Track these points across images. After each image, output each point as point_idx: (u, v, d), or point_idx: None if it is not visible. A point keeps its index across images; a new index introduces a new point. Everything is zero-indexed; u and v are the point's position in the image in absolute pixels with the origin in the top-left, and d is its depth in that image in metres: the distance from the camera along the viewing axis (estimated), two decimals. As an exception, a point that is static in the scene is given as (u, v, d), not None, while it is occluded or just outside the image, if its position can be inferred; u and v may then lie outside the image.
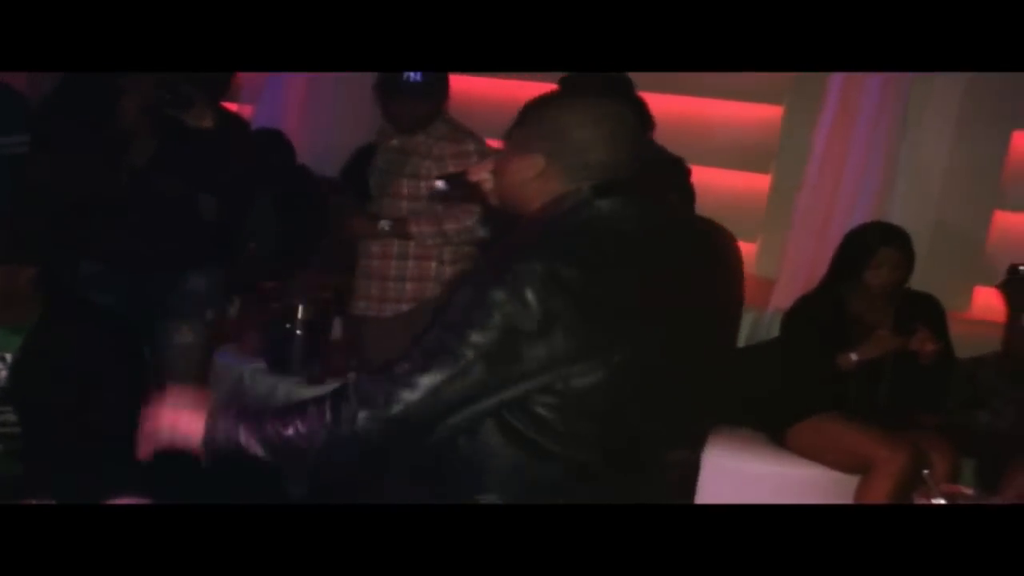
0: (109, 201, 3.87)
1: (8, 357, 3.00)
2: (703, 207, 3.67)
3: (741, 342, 4.75)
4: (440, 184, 2.75)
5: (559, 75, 3.77)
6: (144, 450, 2.22)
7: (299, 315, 4.79)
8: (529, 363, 1.92)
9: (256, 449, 2.14)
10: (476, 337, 1.92)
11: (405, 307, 4.00)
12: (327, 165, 5.99)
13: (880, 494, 3.76)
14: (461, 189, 2.73)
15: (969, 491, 3.13)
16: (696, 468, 2.27)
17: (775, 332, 4.46)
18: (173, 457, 2.23)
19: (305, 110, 6.47)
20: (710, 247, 2.24)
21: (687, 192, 3.98)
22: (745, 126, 5.38)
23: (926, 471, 3.31)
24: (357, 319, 4.09)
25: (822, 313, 4.14)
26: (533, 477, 2.01)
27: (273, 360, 4.90)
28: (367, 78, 4.13)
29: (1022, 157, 4.95)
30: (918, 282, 4.28)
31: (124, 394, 2.92)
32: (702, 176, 4.19)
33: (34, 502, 2.65)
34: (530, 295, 1.90)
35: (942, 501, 2.86)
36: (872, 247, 4.08)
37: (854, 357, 4.00)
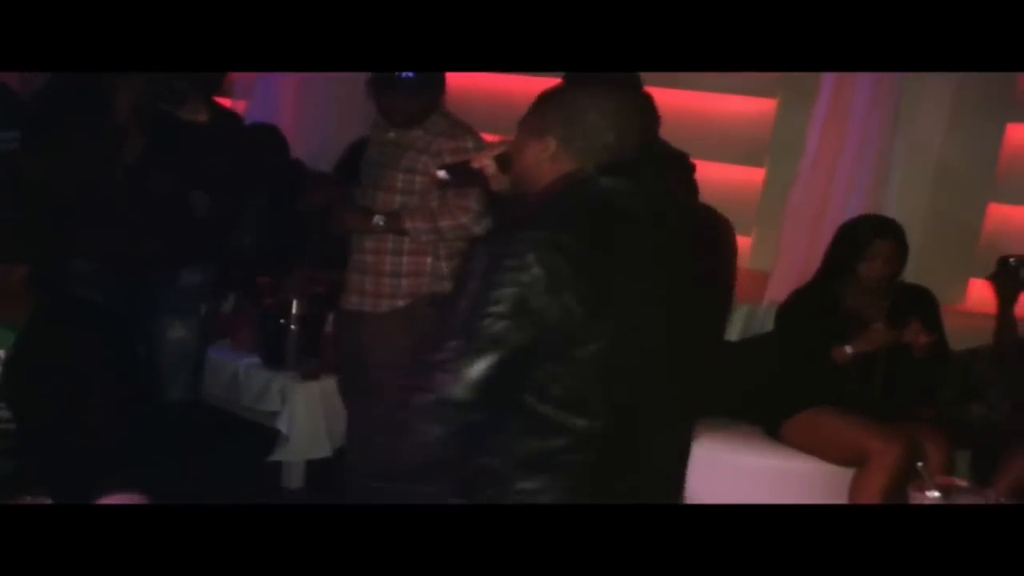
0: (101, 198, 3.86)
1: (1, 354, 2.99)
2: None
3: (736, 336, 4.76)
4: (442, 174, 2.76)
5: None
6: None
7: (293, 310, 4.80)
8: (547, 324, 2.01)
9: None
10: (495, 308, 2.01)
11: (401, 303, 3.98)
12: (321, 160, 5.99)
13: (875, 487, 3.76)
14: (463, 177, 2.77)
15: (963, 483, 3.14)
16: (689, 444, 2.32)
17: (770, 326, 4.46)
18: (165, 454, 2.22)
19: (298, 105, 6.46)
20: (707, 228, 2.38)
21: (690, 187, 3.97)
22: (739, 120, 5.38)
23: (920, 463, 3.32)
24: (351, 314, 4.07)
25: (816, 306, 4.15)
26: (536, 447, 2.08)
27: (267, 355, 4.91)
28: (360, 73, 4.11)
29: (1016, 150, 4.95)
30: (912, 275, 4.29)
31: (117, 391, 2.92)
32: (696, 170, 4.19)
33: (28, 499, 2.65)
34: (531, 258, 2.00)
35: (936, 493, 2.87)
36: (865, 240, 4.08)
37: (848, 350, 4.01)
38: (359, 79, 4.01)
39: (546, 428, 2.06)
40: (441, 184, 3.10)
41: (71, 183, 3.81)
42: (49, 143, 3.85)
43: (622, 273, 2.08)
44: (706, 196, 3.95)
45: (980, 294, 4.80)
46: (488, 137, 3.91)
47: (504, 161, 2.37)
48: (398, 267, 3.96)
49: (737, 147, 5.31)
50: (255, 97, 6.51)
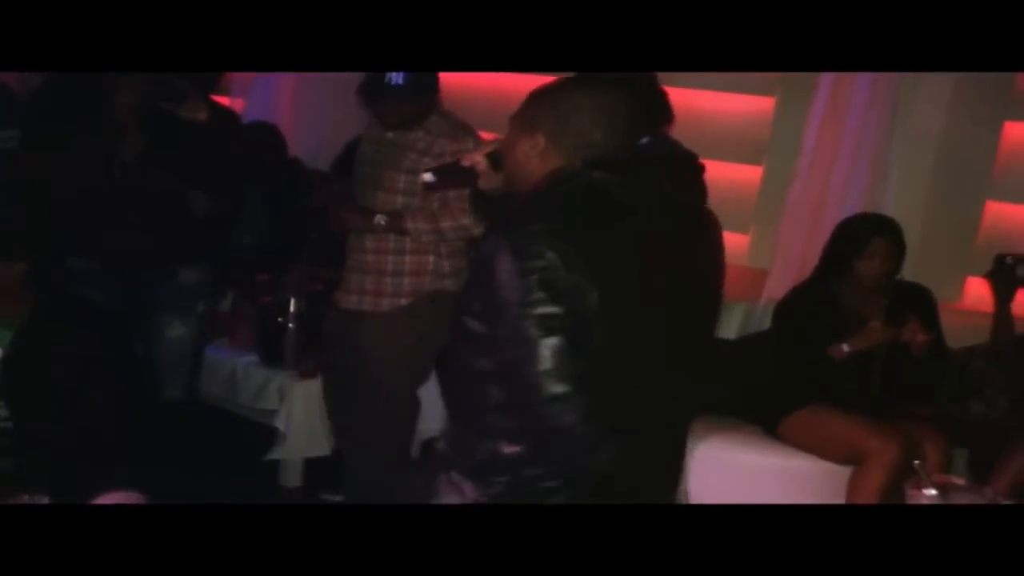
0: (100, 196, 3.86)
1: (-1, 352, 2.99)
2: (694, 199, 3.67)
3: (734, 334, 4.76)
4: (428, 177, 2.69)
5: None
6: None
7: (291, 309, 4.80)
8: (584, 308, 2.02)
9: None
10: (532, 297, 2.01)
11: (404, 301, 3.98)
12: (319, 158, 5.99)
13: (872, 485, 3.77)
14: (451, 179, 2.78)
15: (961, 481, 3.14)
16: (686, 434, 2.34)
17: (767, 324, 4.46)
18: (163, 453, 2.22)
19: (296, 104, 6.46)
20: (695, 222, 2.33)
21: (698, 188, 3.96)
22: (737, 118, 5.38)
23: (918, 462, 3.32)
24: (350, 314, 4.07)
25: (814, 304, 4.15)
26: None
27: (266, 354, 4.91)
28: (359, 73, 4.11)
29: (1013, 148, 4.95)
30: (910, 273, 4.29)
31: (115, 390, 2.92)
32: (705, 171, 4.18)
33: (26, 498, 2.65)
34: (540, 245, 2.02)
35: (934, 492, 2.87)
36: (863, 238, 4.09)
37: (846, 348, 4.01)
38: (357, 78, 4.01)
39: None
40: (428, 187, 3.04)
41: (69, 181, 3.81)
42: (48, 141, 3.85)
43: (616, 264, 2.09)
44: (705, 194, 3.95)
45: (978, 292, 4.80)
46: (487, 136, 3.90)
47: (496, 159, 2.37)
48: (400, 266, 3.96)
49: (735, 145, 5.31)
50: (253, 96, 6.50)
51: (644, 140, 3.81)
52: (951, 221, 5.00)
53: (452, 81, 4.04)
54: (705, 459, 3.99)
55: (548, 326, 2.00)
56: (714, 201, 3.59)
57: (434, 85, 3.93)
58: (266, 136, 5.62)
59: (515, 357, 2.03)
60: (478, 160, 2.39)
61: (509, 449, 2.11)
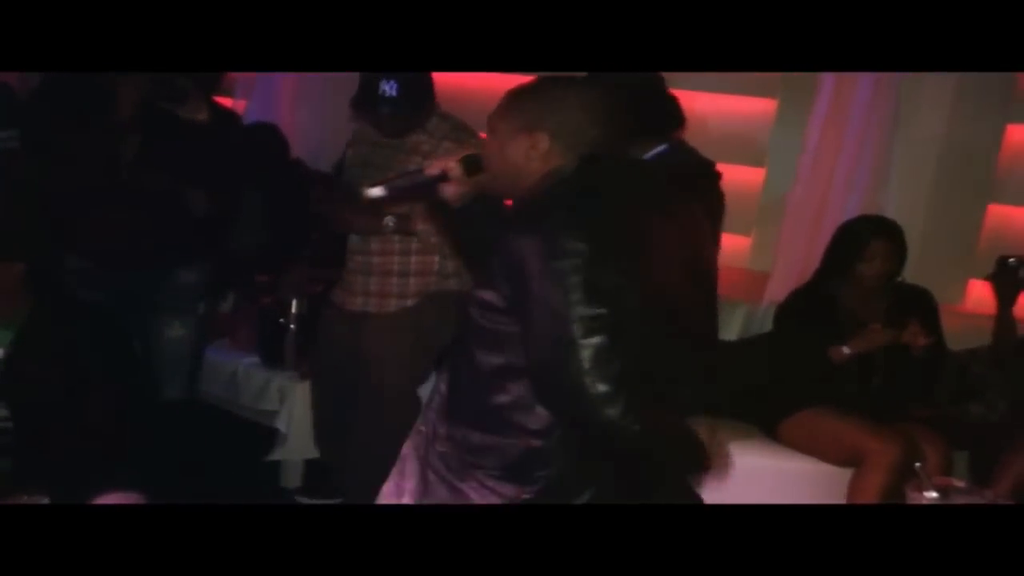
0: (100, 196, 3.86)
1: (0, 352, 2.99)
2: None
3: (735, 336, 4.75)
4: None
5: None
6: None
7: (292, 310, 4.80)
8: (622, 305, 2.03)
9: None
10: (573, 296, 2.01)
11: (410, 302, 3.97)
12: (320, 159, 5.98)
13: (873, 487, 3.76)
14: (406, 191, 2.56)
15: (961, 484, 3.14)
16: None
17: (769, 326, 4.46)
18: (163, 454, 2.22)
19: (297, 105, 6.46)
20: (687, 208, 2.36)
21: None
22: (739, 120, 5.37)
23: (918, 464, 3.31)
24: (353, 315, 4.05)
25: (814, 306, 4.15)
26: None
27: (266, 355, 4.91)
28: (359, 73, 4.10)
29: (1016, 150, 4.95)
30: (912, 275, 4.28)
31: (115, 390, 2.92)
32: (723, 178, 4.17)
33: (25, 498, 2.65)
34: (568, 238, 2.02)
35: (934, 494, 2.87)
36: (864, 239, 4.08)
37: (846, 350, 4.01)
38: (358, 79, 3.99)
39: None
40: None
41: (71, 182, 3.81)
42: (48, 141, 3.85)
43: (635, 255, 2.11)
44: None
45: (979, 294, 4.80)
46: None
47: (471, 163, 2.33)
48: (406, 266, 3.95)
49: (736, 147, 5.31)
50: (255, 96, 6.51)
51: (661, 148, 3.81)
52: (953, 223, 4.99)
53: (446, 82, 4.01)
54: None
55: (590, 327, 1.99)
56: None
57: (429, 90, 3.89)
58: (268, 137, 5.62)
59: (553, 357, 2.02)
60: (451, 167, 2.34)
61: (538, 444, 2.10)
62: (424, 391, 4.09)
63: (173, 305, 4.09)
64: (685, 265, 2.22)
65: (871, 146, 4.91)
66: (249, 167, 4.52)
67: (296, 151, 5.85)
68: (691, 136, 4.26)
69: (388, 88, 3.76)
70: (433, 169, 2.36)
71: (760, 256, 5.23)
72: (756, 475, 4.04)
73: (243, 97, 6.50)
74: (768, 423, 4.16)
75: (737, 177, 5.36)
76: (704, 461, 2.20)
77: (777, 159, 5.26)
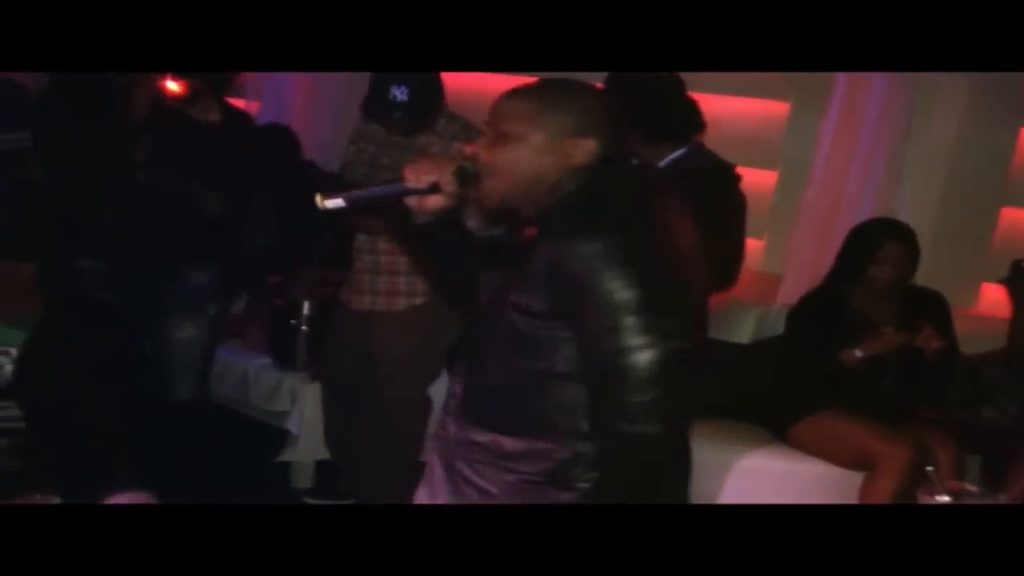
0: (111, 197, 3.87)
1: (12, 352, 3.00)
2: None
3: (747, 338, 4.75)
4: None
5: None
6: None
7: (304, 311, 4.80)
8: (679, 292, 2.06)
9: None
10: (644, 302, 1.99)
11: (419, 300, 3.98)
12: (333, 160, 5.99)
13: (884, 491, 3.75)
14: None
15: (974, 488, 3.12)
16: None
17: (780, 328, 4.45)
18: (174, 454, 2.22)
19: (310, 105, 6.47)
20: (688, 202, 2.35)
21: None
22: (751, 122, 5.36)
23: (930, 468, 3.30)
24: (361, 314, 4.06)
25: (826, 309, 4.14)
26: None
27: (277, 355, 4.91)
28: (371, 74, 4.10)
29: (1029, 153, 4.94)
30: (924, 278, 4.27)
31: (127, 391, 2.92)
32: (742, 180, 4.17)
33: (37, 497, 2.66)
34: (620, 237, 2.02)
35: (947, 498, 2.84)
36: (876, 243, 4.07)
37: (858, 353, 4.00)
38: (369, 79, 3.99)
39: None
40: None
41: (82, 182, 3.82)
42: (61, 142, 3.86)
43: (683, 261, 2.12)
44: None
45: (992, 298, 4.79)
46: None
47: (464, 175, 2.20)
48: (415, 266, 3.95)
49: (749, 149, 5.30)
50: (267, 98, 6.52)
51: (681, 151, 3.82)
52: (966, 226, 4.98)
53: (452, 83, 4.00)
54: (715, 463, 3.98)
55: (652, 338, 1.98)
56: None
57: (439, 93, 3.89)
58: (280, 138, 5.63)
59: (610, 366, 2.00)
60: (445, 179, 2.20)
61: (585, 448, 2.09)
62: (433, 390, 4.09)
63: (184, 306, 4.10)
64: (703, 269, 2.22)
65: (884, 149, 4.91)
66: (261, 168, 4.52)
67: (308, 152, 5.86)
68: (704, 138, 4.26)
69: (399, 93, 3.75)
70: (419, 182, 2.21)
71: (772, 259, 5.23)
72: (767, 478, 4.04)
73: (255, 98, 6.51)
74: (779, 426, 4.15)
75: (750, 180, 5.36)
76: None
77: (790, 162, 5.26)
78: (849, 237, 4.21)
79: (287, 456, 4.75)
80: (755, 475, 4.03)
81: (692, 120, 3.94)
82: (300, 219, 5.38)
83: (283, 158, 5.51)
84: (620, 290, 1.98)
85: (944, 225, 4.92)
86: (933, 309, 4.14)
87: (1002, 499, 3.19)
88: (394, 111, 3.79)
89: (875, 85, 4.87)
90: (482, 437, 2.18)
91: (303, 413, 4.68)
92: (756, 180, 5.30)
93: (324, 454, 4.70)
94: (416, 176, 2.22)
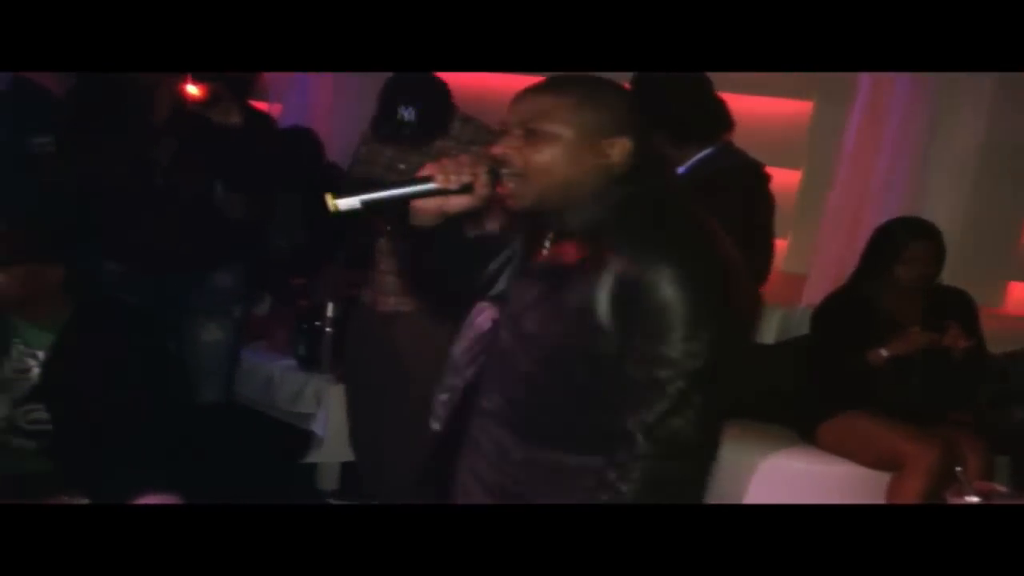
0: (136, 200, 3.89)
1: (40, 355, 3.02)
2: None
3: (772, 339, 4.73)
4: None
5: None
6: None
7: (328, 312, 4.81)
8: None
9: None
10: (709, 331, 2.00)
11: None
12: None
13: (912, 491, 3.73)
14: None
15: (1003, 488, 3.10)
16: None
17: (806, 329, 4.43)
18: (200, 456, 2.22)
19: (332, 108, 6.48)
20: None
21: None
22: (775, 122, 5.35)
23: (959, 468, 3.28)
24: (385, 316, 4.06)
25: (852, 309, 4.12)
26: None
27: (302, 357, 4.92)
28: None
29: (1056, 151, 4.91)
30: (951, 278, 4.25)
31: (153, 393, 2.93)
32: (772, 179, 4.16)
33: (65, 499, 2.67)
34: (712, 266, 2.02)
35: (975, 499, 2.83)
36: (902, 242, 4.06)
37: (884, 353, 3.98)
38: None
39: None
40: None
41: (106, 185, 3.83)
42: (86, 145, 3.88)
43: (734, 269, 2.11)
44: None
45: (1019, 297, 4.76)
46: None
47: (494, 175, 2.13)
48: None
49: (773, 149, 5.29)
50: (289, 101, 6.54)
51: (709, 150, 3.80)
52: (992, 225, 4.95)
53: (463, 82, 4.00)
54: (741, 464, 3.97)
55: (713, 351, 1.98)
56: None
57: (448, 107, 3.90)
58: (302, 140, 5.64)
59: (670, 374, 1.98)
60: (480, 181, 2.13)
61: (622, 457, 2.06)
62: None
63: (209, 308, 4.12)
64: (747, 274, 2.23)
65: (909, 147, 4.89)
66: (284, 170, 4.53)
67: (331, 155, 5.87)
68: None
69: (407, 113, 3.79)
70: (449, 182, 2.13)
71: (797, 259, 5.21)
72: (793, 478, 4.02)
73: (277, 101, 6.53)
74: (805, 427, 4.13)
75: (774, 179, 5.36)
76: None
77: (814, 161, 5.24)
78: (874, 236, 4.19)
79: (313, 458, 4.76)
80: (781, 475, 4.02)
81: (722, 118, 3.92)
82: (324, 221, 5.39)
83: (306, 160, 5.52)
84: (680, 305, 1.97)
85: (970, 224, 4.89)
86: (959, 309, 4.11)
87: (1031, 500, 3.17)
88: (403, 130, 3.82)
89: (899, 84, 4.85)
90: (540, 455, 2.14)
91: (328, 415, 4.69)
92: (780, 180, 5.27)
93: (350, 456, 4.70)
94: (446, 176, 2.15)
